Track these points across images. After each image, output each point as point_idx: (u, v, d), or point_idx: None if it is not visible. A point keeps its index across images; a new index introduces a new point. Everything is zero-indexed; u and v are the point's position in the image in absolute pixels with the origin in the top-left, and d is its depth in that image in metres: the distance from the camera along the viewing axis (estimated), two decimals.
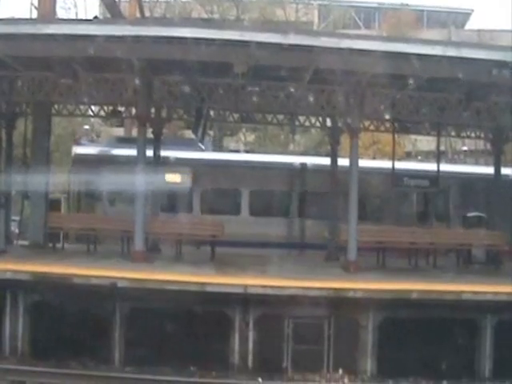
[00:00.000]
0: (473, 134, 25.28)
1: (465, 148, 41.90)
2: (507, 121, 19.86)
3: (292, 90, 19.55)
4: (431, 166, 25.11)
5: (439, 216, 24.97)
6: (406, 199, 26.30)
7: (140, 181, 18.67)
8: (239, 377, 15.09)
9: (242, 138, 44.56)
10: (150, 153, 20.37)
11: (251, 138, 44.00)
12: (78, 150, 26.73)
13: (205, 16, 46.44)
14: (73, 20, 31.00)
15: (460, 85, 18.31)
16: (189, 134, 32.91)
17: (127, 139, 26.77)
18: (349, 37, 17.88)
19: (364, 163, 21.35)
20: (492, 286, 16.22)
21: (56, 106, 22.80)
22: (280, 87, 19.67)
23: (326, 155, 24.85)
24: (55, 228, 21.21)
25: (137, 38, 16.65)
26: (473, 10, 60.78)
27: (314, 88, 19.52)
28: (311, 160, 26.68)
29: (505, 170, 24.06)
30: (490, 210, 23.19)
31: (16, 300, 15.77)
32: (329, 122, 23.43)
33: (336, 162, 22.58)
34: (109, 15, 31.59)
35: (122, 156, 23.42)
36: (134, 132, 24.77)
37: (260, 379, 14.83)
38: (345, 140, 22.28)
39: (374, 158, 34.42)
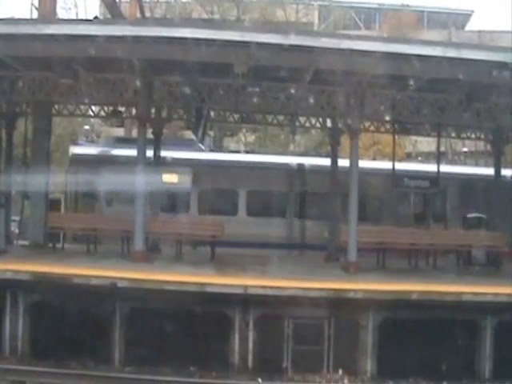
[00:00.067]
0: (473, 135, 25.32)
1: (465, 149, 41.94)
2: (507, 122, 19.88)
3: (292, 90, 19.55)
4: (431, 167, 25.12)
5: (439, 217, 24.99)
6: (407, 200, 26.28)
7: (140, 181, 18.67)
8: (239, 377, 15.07)
9: (243, 139, 44.54)
10: (149, 153, 20.38)
11: (251, 138, 43.99)
12: (76, 150, 26.72)
13: (205, 16, 46.49)
14: (73, 20, 30.89)
15: (460, 86, 18.32)
16: (189, 134, 32.99)
17: (124, 139, 26.79)
18: (349, 37, 17.86)
19: (364, 164, 21.34)
20: (492, 287, 16.20)
21: (56, 106, 22.82)
22: (280, 88, 19.66)
23: (327, 156, 24.86)
24: (55, 228, 21.23)
25: (137, 39, 16.66)
26: (473, 11, 61.02)
27: (314, 89, 19.50)
28: (311, 160, 26.70)
29: (505, 171, 24.10)
30: (490, 211, 23.19)
31: (16, 300, 15.74)
32: (329, 123, 23.40)
33: (336, 162, 22.57)
34: (109, 15, 31.59)
35: (120, 156, 23.42)
36: (134, 132, 24.76)
37: (260, 379, 14.83)
38: (345, 141, 22.25)
39: (374, 159, 34.37)
